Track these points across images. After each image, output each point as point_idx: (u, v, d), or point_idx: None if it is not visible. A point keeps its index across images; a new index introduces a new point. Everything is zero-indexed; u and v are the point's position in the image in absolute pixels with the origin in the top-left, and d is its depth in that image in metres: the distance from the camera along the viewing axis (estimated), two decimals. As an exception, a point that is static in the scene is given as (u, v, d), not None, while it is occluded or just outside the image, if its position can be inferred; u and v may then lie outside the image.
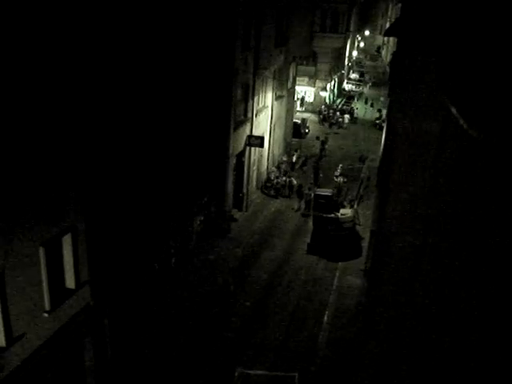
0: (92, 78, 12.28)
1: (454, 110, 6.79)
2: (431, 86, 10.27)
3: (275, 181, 29.61)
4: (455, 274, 7.26)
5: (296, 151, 34.87)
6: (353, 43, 69.51)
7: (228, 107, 22.00)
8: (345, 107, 50.57)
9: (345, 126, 45.18)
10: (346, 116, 46.95)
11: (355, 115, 47.86)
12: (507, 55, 5.72)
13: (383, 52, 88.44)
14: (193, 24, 18.71)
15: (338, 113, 47.69)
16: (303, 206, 27.19)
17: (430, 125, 10.65)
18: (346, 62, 63.07)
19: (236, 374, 15.11)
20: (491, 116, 5.66)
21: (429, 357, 8.36)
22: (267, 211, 27.35)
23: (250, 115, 25.22)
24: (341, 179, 30.02)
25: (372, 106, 52.95)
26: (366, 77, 67.80)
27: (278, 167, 31.96)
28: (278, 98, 30.65)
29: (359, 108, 51.36)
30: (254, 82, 24.94)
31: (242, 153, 25.22)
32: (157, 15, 15.67)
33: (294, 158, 34.05)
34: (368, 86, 62.74)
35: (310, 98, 48.30)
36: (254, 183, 28.62)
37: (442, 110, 8.61)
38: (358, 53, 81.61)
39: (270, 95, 28.79)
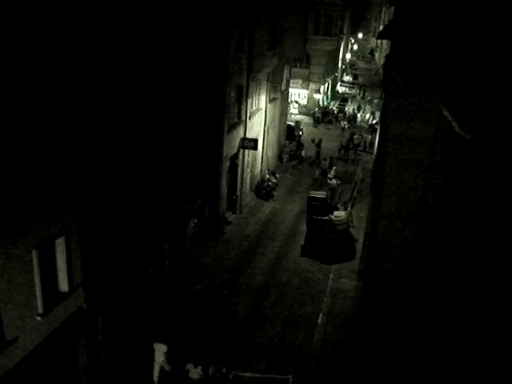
0: (86, 81, 12.25)
1: (446, 113, 6.82)
2: (424, 88, 10.30)
3: (266, 183, 29.70)
4: (449, 275, 7.29)
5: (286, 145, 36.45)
6: (346, 46, 69.67)
7: (221, 110, 21.97)
8: (340, 107, 50.98)
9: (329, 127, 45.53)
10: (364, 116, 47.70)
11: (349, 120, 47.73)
12: (500, 58, 5.76)
13: (376, 54, 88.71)
14: (187, 26, 18.72)
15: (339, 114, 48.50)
16: (318, 172, 33.13)
17: (422, 127, 10.68)
18: (340, 65, 63.21)
19: (230, 377, 15.09)
20: (484, 119, 5.69)
21: (425, 358, 8.38)
22: (261, 213, 27.38)
23: (243, 118, 25.20)
24: (334, 181, 30.07)
25: (369, 101, 53.70)
26: (360, 79, 68.00)
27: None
28: (271, 100, 30.68)
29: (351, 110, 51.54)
30: (248, 84, 24.94)
31: (236, 155, 25.21)
32: (151, 17, 15.67)
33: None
34: (360, 89, 62.79)
35: (303, 101, 48.42)
36: (248, 186, 28.61)
37: (434, 112, 8.64)
38: (352, 55, 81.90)
39: (263, 97, 28.81)
